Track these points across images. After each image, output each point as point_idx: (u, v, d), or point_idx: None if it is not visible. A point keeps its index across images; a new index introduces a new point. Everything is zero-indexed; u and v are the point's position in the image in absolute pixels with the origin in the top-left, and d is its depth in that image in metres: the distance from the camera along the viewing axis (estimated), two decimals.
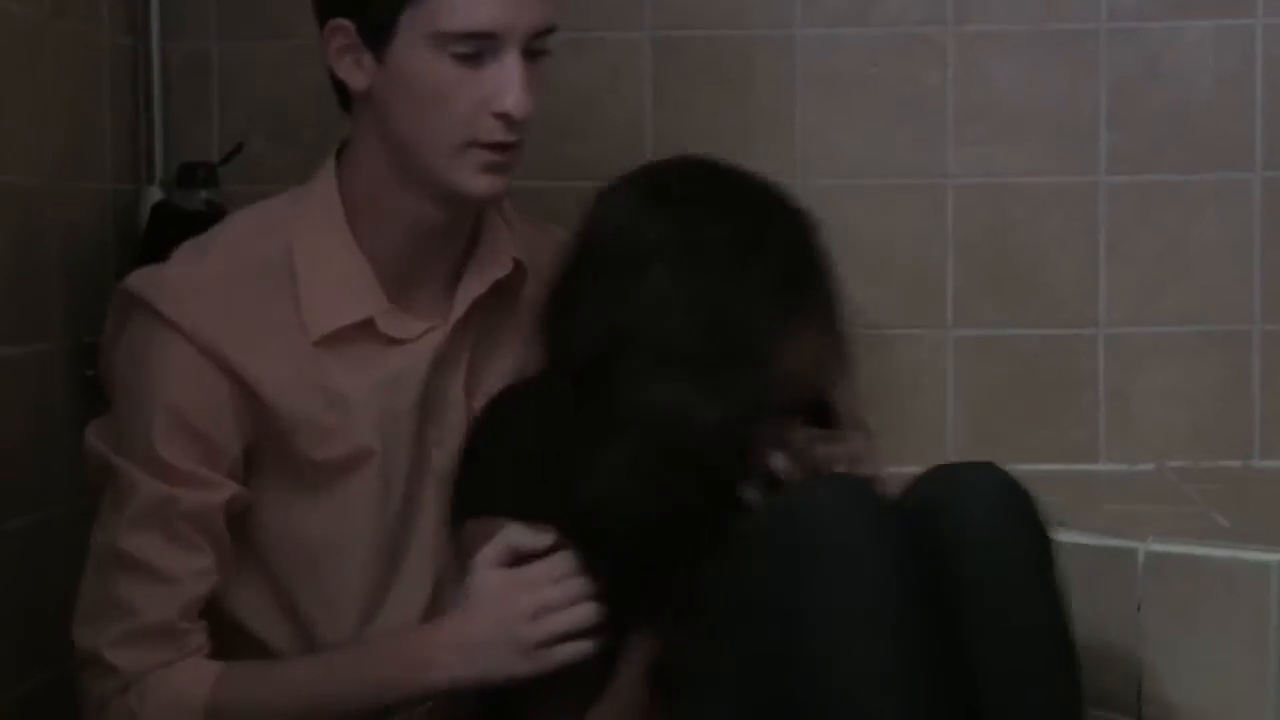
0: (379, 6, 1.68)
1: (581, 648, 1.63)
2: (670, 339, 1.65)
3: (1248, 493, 2.22)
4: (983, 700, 1.57)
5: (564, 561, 1.64)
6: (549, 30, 1.72)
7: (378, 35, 1.69)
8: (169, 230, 2.21)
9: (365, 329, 1.75)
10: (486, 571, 1.66)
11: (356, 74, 1.72)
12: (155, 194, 2.30)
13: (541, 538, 1.65)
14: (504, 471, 1.73)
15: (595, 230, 1.73)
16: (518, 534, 1.66)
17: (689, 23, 2.39)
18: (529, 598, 1.63)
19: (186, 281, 1.74)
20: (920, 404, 2.37)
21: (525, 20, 1.68)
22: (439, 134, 1.69)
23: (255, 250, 1.76)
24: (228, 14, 2.40)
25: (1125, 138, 2.36)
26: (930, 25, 2.38)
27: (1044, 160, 2.38)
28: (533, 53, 1.71)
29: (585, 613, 1.63)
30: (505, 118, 1.69)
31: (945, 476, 1.66)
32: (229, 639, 1.75)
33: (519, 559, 1.65)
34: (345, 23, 1.71)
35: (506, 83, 1.68)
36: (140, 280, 1.76)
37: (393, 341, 1.76)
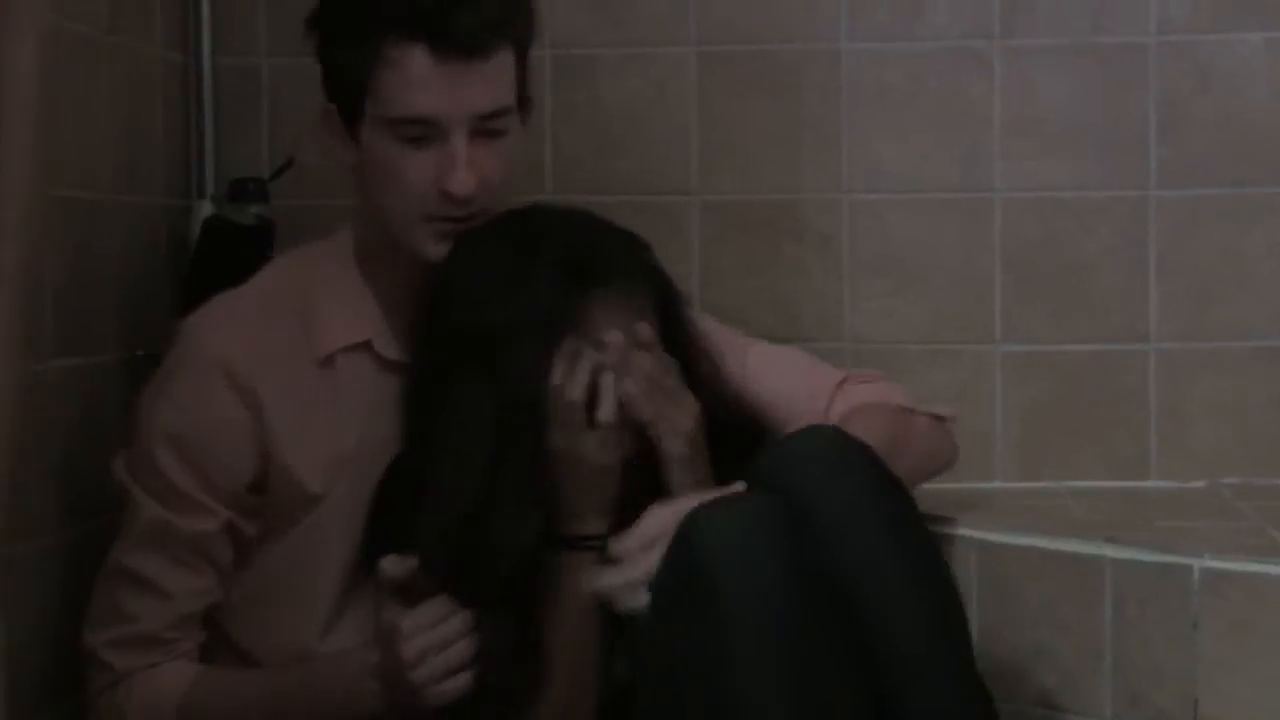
0: (349, 95, 1.86)
1: (463, 682, 1.77)
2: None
3: None
4: (880, 663, 1.65)
5: (441, 605, 1.78)
6: (498, 113, 1.85)
7: (352, 119, 1.87)
8: (220, 245, 2.23)
9: (364, 352, 1.91)
10: (382, 613, 1.81)
11: (343, 152, 1.90)
12: (206, 209, 2.32)
13: (407, 564, 1.79)
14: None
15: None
16: (389, 564, 1.81)
17: (735, 37, 2.39)
18: (411, 644, 1.76)
19: (216, 315, 1.92)
20: (968, 420, 2.34)
21: (464, 106, 1.82)
22: (398, 207, 1.86)
23: (279, 288, 1.94)
24: (278, 30, 2.41)
25: (1175, 151, 2.35)
26: (977, 38, 2.37)
27: (1093, 174, 2.37)
28: (488, 132, 1.84)
29: (461, 651, 1.77)
30: (449, 196, 1.83)
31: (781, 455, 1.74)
32: (217, 642, 1.93)
33: (401, 589, 1.80)
34: (332, 107, 1.90)
35: (448, 163, 1.83)
36: (185, 320, 1.94)
37: (387, 365, 1.90)
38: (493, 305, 1.81)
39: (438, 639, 1.76)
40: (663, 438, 1.81)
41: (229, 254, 2.24)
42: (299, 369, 1.89)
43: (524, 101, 1.91)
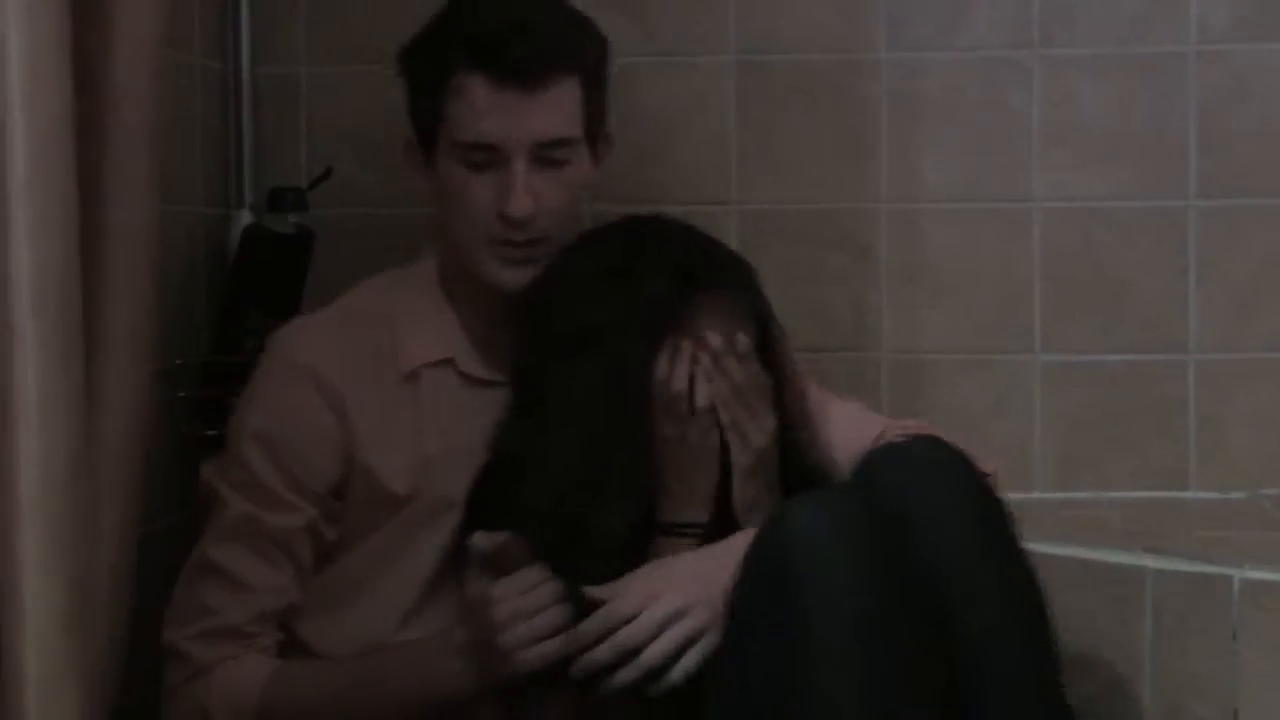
0: (426, 126, 1.97)
1: (550, 649, 1.79)
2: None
3: None
4: (964, 671, 1.67)
5: (534, 572, 1.81)
6: (558, 142, 1.92)
7: (428, 149, 1.97)
8: (259, 254, 2.23)
9: (447, 367, 1.98)
10: (470, 584, 1.85)
11: (422, 181, 2.00)
12: (245, 218, 2.32)
13: (497, 538, 1.82)
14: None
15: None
16: (481, 538, 1.84)
17: (774, 47, 2.39)
18: (503, 607, 1.79)
19: (305, 327, 2.01)
20: (1007, 430, 2.36)
21: (523, 133, 1.90)
22: (465, 231, 1.95)
23: (364, 307, 2.01)
24: (317, 39, 2.42)
25: (1215, 161, 2.35)
26: (1016, 48, 2.37)
27: (1132, 184, 2.36)
28: (549, 161, 1.92)
29: (554, 616, 1.80)
30: (507, 219, 1.90)
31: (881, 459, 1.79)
32: (290, 648, 1.96)
33: (491, 562, 1.83)
34: (414, 138, 2.00)
35: (506, 188, 1.91)
36: (274, 332, 2.01)
37: (470, 381, 1.97)
38: (602, 300, 1.88)
39: (530, 604, 1.79)
40: (733, 445, 1.87)
41: (268, 263, 2.24)
42: (383, 383, 1.96)
43: (595, 135, 1.98)
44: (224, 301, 2.24)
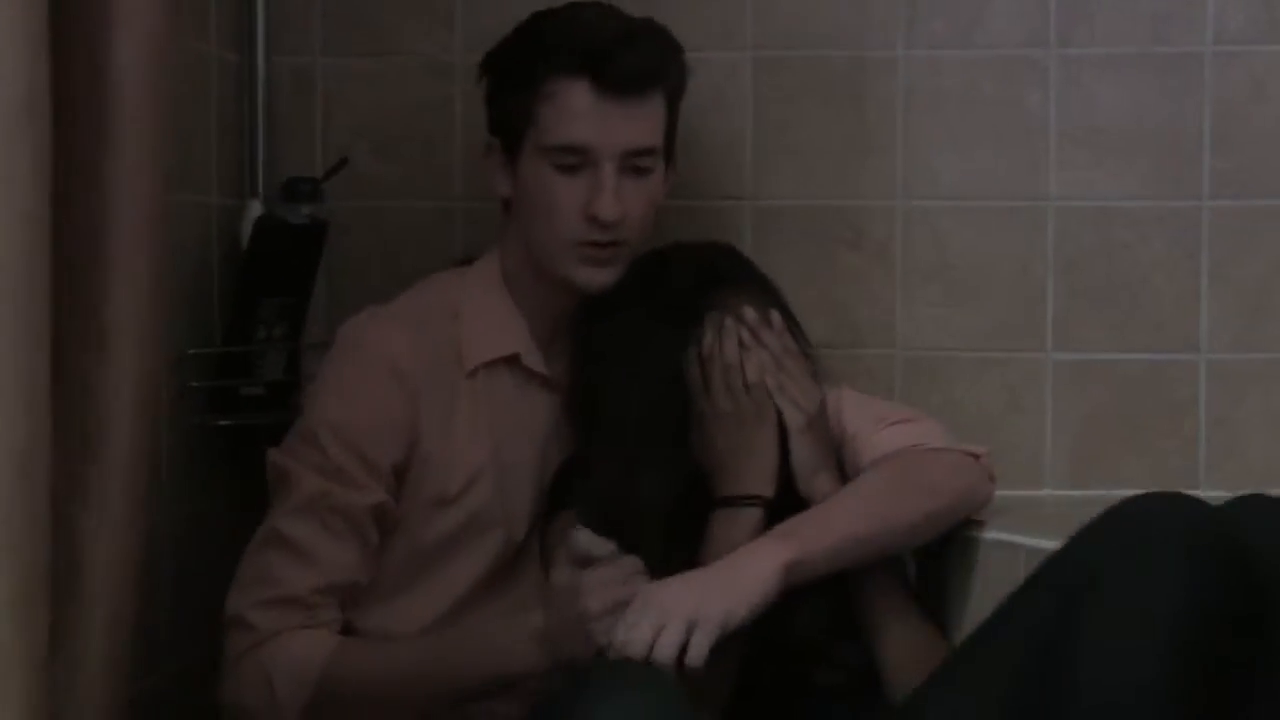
0: (513, 128, 2.04)
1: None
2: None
3: None
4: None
5: (632, 563, 1.82)
6: (645, 151, 2.02)
7: (513, 151, 2.04)
8: (272, 244, 2.23)
9: (512, 364, 2.05)
10: (563, 570, 1.87)
11: (503, 183, 2.08)
12: (258, 208, 2.32)
13: (605, 545, 1.84)
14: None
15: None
16: (586, 539, 1.84)
17: (791, 43, 2.39)
18: (599, 595, 1.80)
19: (377, 317, 2.06)
20: (1019, 428, 2.36)
21: (616, 140, 1.99)
22: (549, 232, 2.01)
23: (430, 303, 2.07)
24: (332, 30, 2.42)
25: (1229, 161, 2.34)
26: (1033, 47, 2.37)
27: (1147, 183, 2.36)
28: (635, 169, 2.01)
29: None
30: (596, 220, 1.98)
31: (1263, 503, 1.75)
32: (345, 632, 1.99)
33: (583, 557, 1.84)
34: (496, 141, 2.07)
35: (597, 190, 1.98)
36: (344, 326, 2.06)
37: (531, 379, 2.05)
38: (632, 303, 1.99)
39: (625, 594, 1.79)
40: (784, 409, 1.95)
41: (281, 253, 2.24)
42: (448, 377, 2.02)
43: (670, 153, 2.08)
44: (237, 291, 2.24)
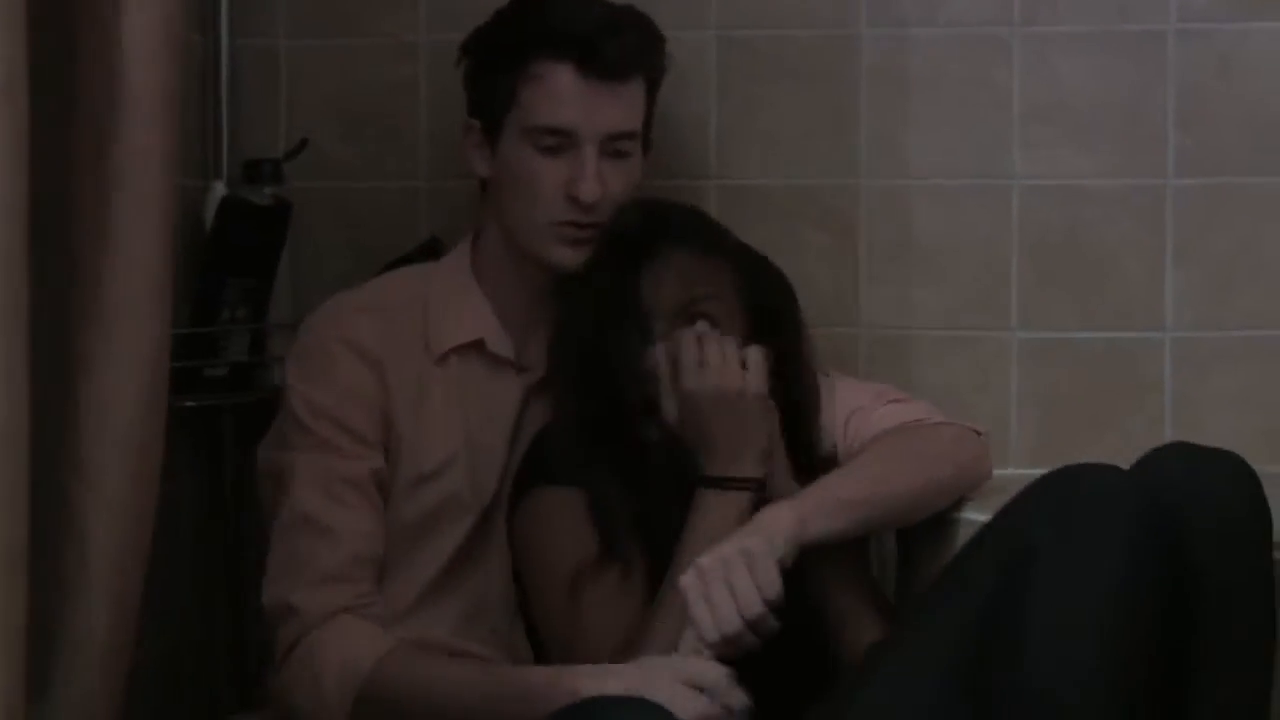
0: (494, 110, 2.06)
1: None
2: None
3: None
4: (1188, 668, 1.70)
5: (739, 699, 1.74)
6: (626, 135, 2.05)
7: (493, 133, 2.06)
8: (236, 225, 2.23)
9: (477, 350, 2.06)
10: (672, 661, 1.78)
11: (481, 165, 2.10)
12: (222, 189, 2.31)
13: (720, 678, 1.74)
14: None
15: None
16: (697, 669, 1.75)
17: (755, 22, 2.39)
18: (694, 704, 1.71)
19: (341, 304, 2.08)
20: (985, 406, 2.36)
21: (598, 122, 2.02)
22: (530, 212, 2.03)
23: (397, 291, 2.10)
24: (296, 12, 2.42)
25: (1194, 139, 2.35)
26: (997, 25, 2.37)
27: (1112, 162, 2.36)
28: (615, 152, 2.04)
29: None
30: (577, 201, 2.00)
31: (1182, 458, 1.79)
32: None
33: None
34: (475, 122, 2.09)
35: (579, 171, 2.01)
36: (308, 316, 2.09)
37: (498, 364, 2.06)
38: (596, 259, 2.01)
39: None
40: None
41: (244, 235, 2.24)
42: (416, 363, 2.04)
43: (646, 138, 2.11)
44: (201, 273, 2.23)
